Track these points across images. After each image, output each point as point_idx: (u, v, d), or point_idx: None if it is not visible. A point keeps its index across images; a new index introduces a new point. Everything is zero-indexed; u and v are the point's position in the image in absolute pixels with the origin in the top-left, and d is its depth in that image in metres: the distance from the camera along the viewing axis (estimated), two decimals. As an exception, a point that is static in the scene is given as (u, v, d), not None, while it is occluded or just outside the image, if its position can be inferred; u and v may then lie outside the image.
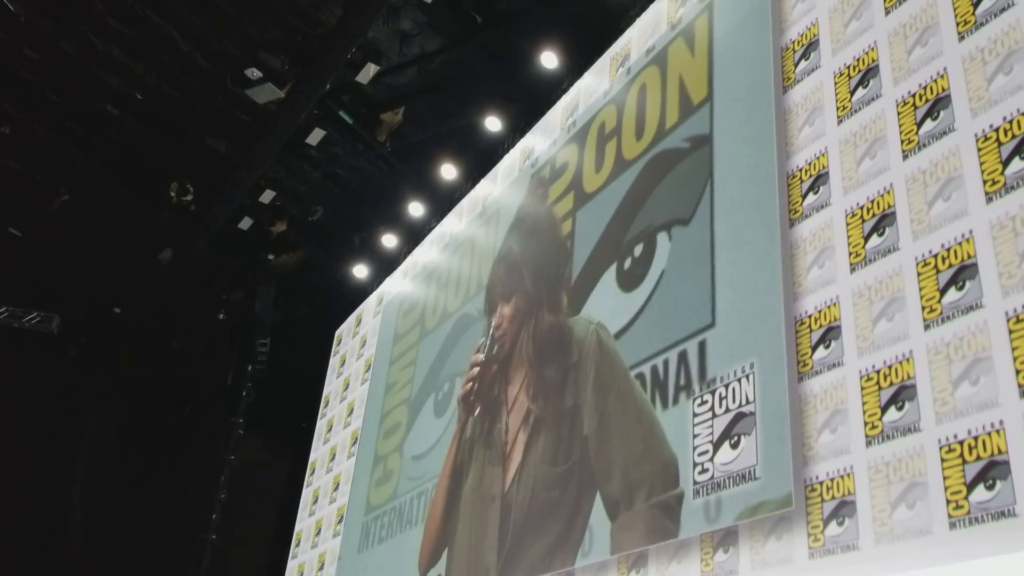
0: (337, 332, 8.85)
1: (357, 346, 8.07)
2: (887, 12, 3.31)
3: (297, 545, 7.60)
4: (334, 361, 8.61)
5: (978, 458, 2.38)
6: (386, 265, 8.09)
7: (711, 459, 3.28)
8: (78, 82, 7.38)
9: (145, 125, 7.82)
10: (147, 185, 8.43)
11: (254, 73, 6.75)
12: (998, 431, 2.35)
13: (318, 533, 7.21)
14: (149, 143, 8.01)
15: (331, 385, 8.42)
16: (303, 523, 7.67)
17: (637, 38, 5.08)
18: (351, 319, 8.57)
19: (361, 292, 8.48)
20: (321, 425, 8.25)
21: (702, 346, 3.63)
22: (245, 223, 8.25)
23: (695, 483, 3.31)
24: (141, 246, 9.17)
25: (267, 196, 7.98)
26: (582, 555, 3.91)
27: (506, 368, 5.24)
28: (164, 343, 10.38)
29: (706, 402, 3.43)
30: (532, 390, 4.84)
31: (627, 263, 4.40)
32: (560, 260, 5.10)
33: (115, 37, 6.95)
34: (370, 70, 6.59)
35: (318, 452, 8.02)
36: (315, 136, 7.24)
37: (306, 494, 7.89)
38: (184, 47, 7.01)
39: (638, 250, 4.34)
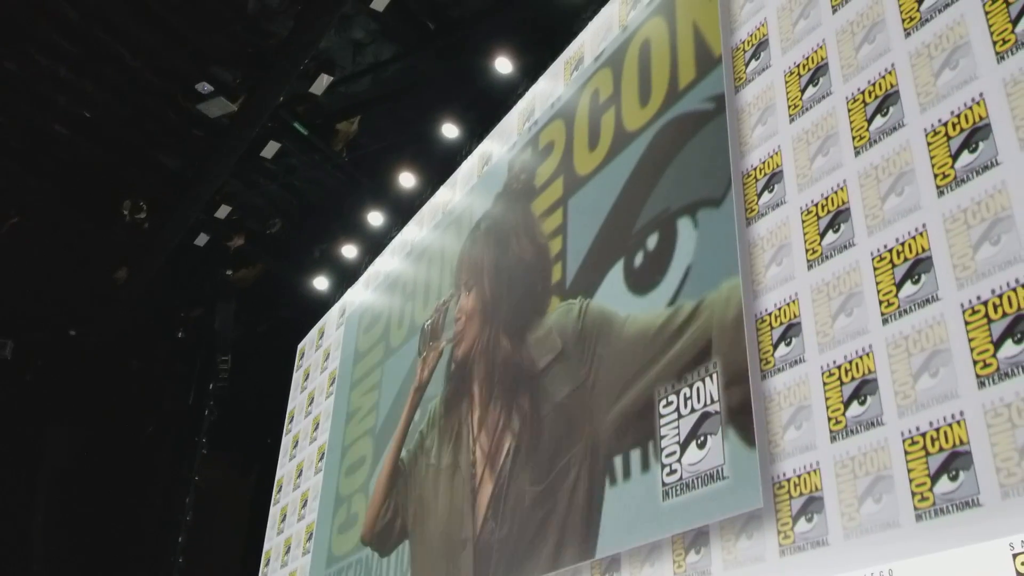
0: (299, 346, 8.75)
1: (320, 359, 7.98)
2: (834, 10, 3.34)
3: (267, 564, 7.48)
4: (298, 375, 8.51)
5: (941, 449, 2.41)
6: (347, 276, 8.02)
7: (679, 460, 3.28)
8: (24, 102, 7.21)
9: (95, 143, 7.67)
10: (99, 204, 8.26)
11: (205, 87, 6.65)
12: (959, 422, 2.38)
13: (287, 551, 7.10)
14: (100, 161, 7.85)
15: (295, 400, 8.32)
16: (272, 542, 7.56)
17: (590, 41, 5.08)
18: (313, 332, 8.48)
19: (323, 304, 8.40)
20: (287, 441, 8.14)
21: None
22: (201, 239, 8.13)
23: (663, 484, 3.31)
24: (95, 266, 8.98)
25: (223, 211, 7.87)
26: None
27: (466, 386, 4.83)
28: (122, 364, 10.17)
29: (672, 403, 3.42)
30: (498, 415, 4.38)
31: (638, 258, 3.72)
32: (537, 267, 4.51)
33: (61, 55, 6.80)
34: (324, 81, 6.53)
35: (285, 468, 7.91)
36: (270, 149, 7.15)
37: (274, 512, 7.77)
38: (132, 63, 6.88)
39: (652, 241, 3.67)
